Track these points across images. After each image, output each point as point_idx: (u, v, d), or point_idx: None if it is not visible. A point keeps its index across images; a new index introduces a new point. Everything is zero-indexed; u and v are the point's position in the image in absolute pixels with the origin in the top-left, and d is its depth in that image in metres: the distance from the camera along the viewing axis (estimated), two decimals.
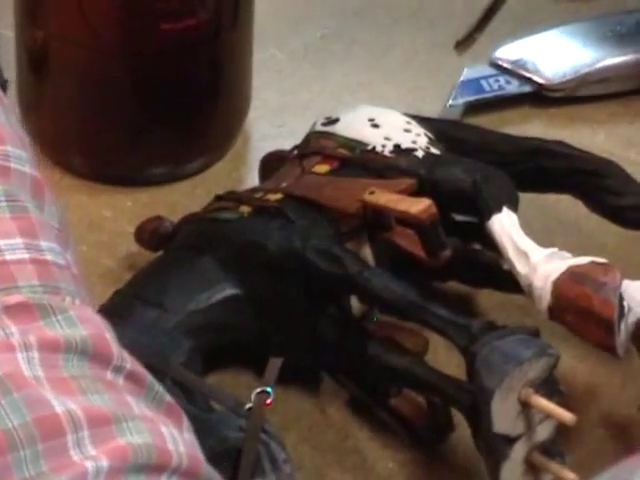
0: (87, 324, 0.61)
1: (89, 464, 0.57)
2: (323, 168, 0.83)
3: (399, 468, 0.78)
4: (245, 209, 0.81)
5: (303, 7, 0.99)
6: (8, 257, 0.62)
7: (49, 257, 0.63)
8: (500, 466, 0.72)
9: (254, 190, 0.83)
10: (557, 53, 0.94)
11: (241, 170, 0.90)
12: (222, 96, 0.92)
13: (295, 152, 0.84)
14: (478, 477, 0.75)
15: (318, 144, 0.84)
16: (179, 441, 0.60)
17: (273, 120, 0.91)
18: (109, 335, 0.61)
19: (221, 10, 0.89)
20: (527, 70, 0.93)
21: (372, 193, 0.79)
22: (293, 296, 0.79)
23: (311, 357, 0.80)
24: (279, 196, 0.81)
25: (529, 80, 0.93)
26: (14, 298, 0.61)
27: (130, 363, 0.61)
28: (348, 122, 0.84)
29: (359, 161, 0.82)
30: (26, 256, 0.62)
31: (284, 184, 0.82)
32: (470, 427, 0.74)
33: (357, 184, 0.80)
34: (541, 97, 0.94)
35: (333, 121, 0.85)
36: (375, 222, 0.79)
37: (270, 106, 0.92)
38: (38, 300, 0.61)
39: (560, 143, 0.84)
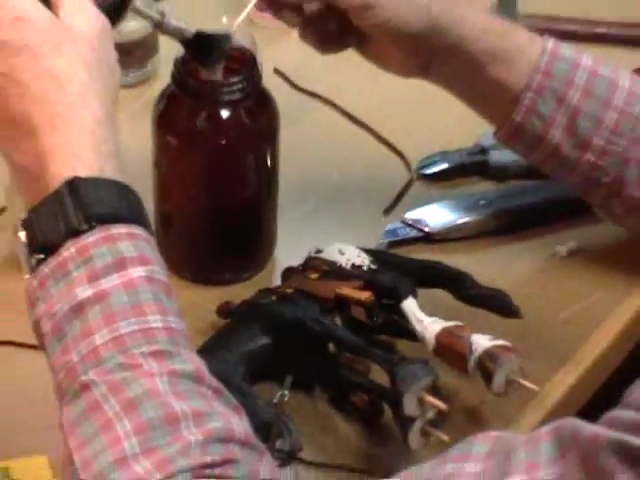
0: (192, 362, 0.60)
1: (192, 438, 0.56)
2: (315, 275, 0.81)
3: (356, 434, 0.77)
4: (274, 297, 0.80)
5: (295, 190, 0.92)
6: (153, 325, 0.58)
7: (173, 325, 0.60)
8: (408, 433, 0.73)
9: (278, 287, 0.83)
10: (437, 215, 0.91)
11: (271, 278, 0.88)
12: (261, 239, 0.88)
13: (300, 267, 0.83)
14: (397, 439, 0.74)
15: (312, 263, 0.83)
16: (240, 425, 0.58)
17: (288, 253, 0.88)
18: (204, 367, 0.60)
19: (260, 192, 0.86)
20: (421, 224, 0.91)
21: (340, 288, 0.79)
22: (299, 344, 0.78)
23: (308, 376, 0.79)
24: (291, 290, 0.80)
25: (422, 230, 0.90)
26: (174, 348, 0.59)
27: (215, 383, 0.60)
28: (328, 252, 0.83)
29: (334, 272, 0.81)
30: (160, 325, 0.59)
31: (294, 284, 0.81)
32: (392, 412, 0.74)
33: (333, 284, 0.80)
34: (429, 239, 0.90)
35: (319, 251, 0.83)
36: (342, 303, 0.79)
37: (286, 246, 0.89)
38: (167, 349, 0.59)
39: (439, 263, 0.83)
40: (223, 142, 0.82)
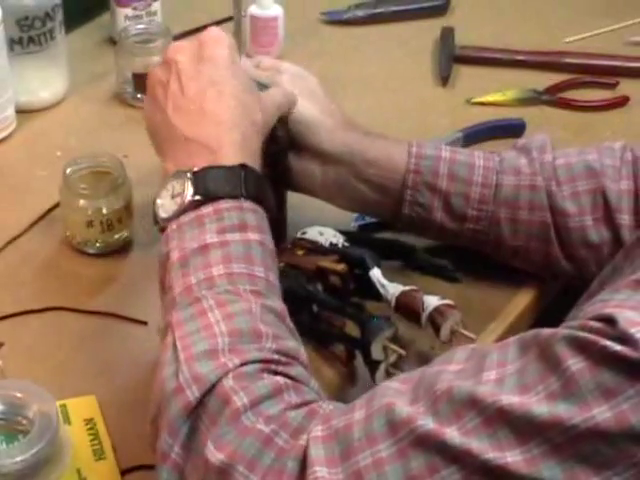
0: (279, 305, 0.62)
1: (268, 346, 0.57)
2: (301, 252, 0.80)
3: (335, 375, 0.76)
4: None
5: None
6: (257, 274, 0.61)
7: (271, 279, 0.62)
8: (375, 374, 0.73)
9: None
10: None
11: None
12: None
13: (289, 246, 0.81)
14: (366, 378, 0.73)
15: (298, 242, 0.81)
16: (305, 357, 0.61)
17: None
18: (287, 312, 0.62)
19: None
20: None
21: (321, 261, 0.78)
22: (290, 306, 0.68)
23: (298, 331, 0.69)
24: (282, 264, 0.77)
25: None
26: (268, 293, 0.61)
27: (292, 325, 0.62)
28: (311, 233, 0.81)
29: (316, 249, 0.80)
30: (262, 275, 0.61)
31: (285, 259, 0.78)
32: (362, 357, 0.74)
33: (315, 258, 0.79)
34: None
35: (304, 233, 0.82)
36: (322, 274, 0.78)
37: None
38: (263, 291, 0.60)
39: (397, 240, 0.82)
40: None
